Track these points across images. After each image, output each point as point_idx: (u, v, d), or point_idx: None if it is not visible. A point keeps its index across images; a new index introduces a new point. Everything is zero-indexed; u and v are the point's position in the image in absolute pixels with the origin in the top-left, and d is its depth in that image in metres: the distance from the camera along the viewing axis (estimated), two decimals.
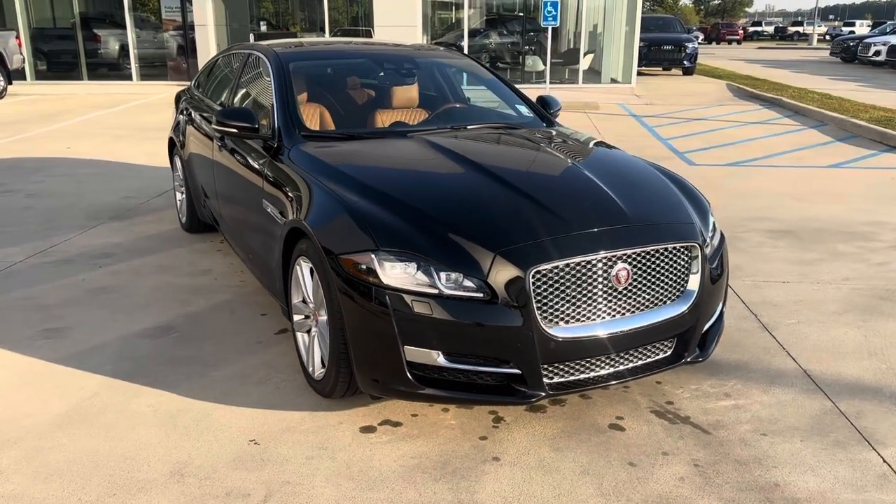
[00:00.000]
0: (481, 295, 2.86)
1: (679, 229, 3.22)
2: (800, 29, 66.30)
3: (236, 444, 3.05)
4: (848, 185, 7.88)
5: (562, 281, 2.92)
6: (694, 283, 3.21)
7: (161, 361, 3.79)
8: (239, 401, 3.39)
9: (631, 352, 3.13)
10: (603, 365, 3.09)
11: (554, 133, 4.38)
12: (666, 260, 3.13)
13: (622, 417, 3.27)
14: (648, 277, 3.09)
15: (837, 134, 11.26)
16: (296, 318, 3.55)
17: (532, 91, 15.74)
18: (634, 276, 3.04)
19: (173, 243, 5.83)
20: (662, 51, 20.80)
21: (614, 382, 3.14)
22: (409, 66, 4.76)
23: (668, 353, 3.26)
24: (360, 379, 3.07)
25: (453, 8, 19.32)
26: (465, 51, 17.79)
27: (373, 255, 2.93)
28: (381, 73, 4.72)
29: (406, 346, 2.90)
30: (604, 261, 2.97)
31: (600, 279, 2.98)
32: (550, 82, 16.99)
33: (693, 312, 3.19)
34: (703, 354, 3.35)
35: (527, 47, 18.72)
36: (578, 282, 2.94)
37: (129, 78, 17.75)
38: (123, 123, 12.37)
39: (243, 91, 4.83)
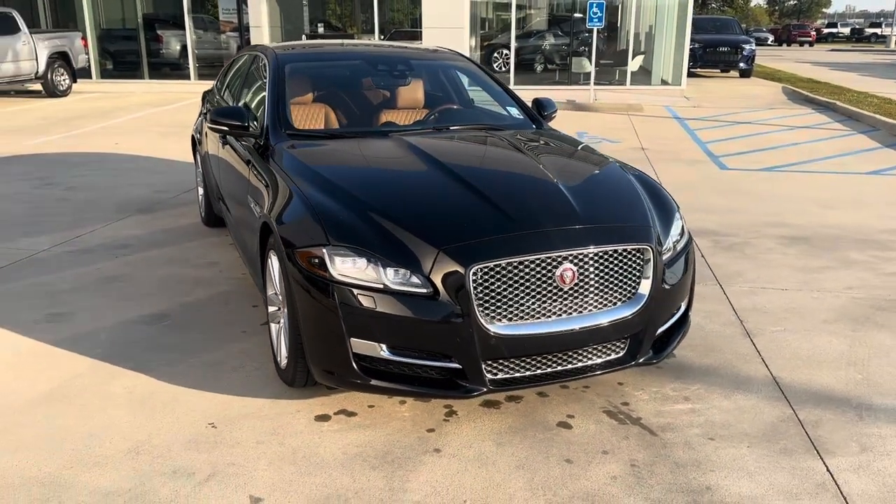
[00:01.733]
0: (424, 291, 2.95)
1: (631, 231, 3.23)
2: (877, 31, 63.72)
3: (195, 426, 3.21)
4: (880, 193, 7.64)
5: (504, 279, 2.98)
6: (645, 285, 3.21)
7: (148, 347, 4.00)
8: (209, 386, 3.56)
9: (579, 351, 3.16)
10: (550, 363, 3.13)
11: (536, 135, 4.42)
12: (616, 262, 3.15)
13: (573, 416, 3.30)
14: (597, 278, 3.11)
15: (886, 140, 10.88)
16: (270, 309, 3.70)
17: (575, 93, 15.76)
18: (582, 277, 3.07)
19: (189, 237, 6.08)
20: (718, 52, 20.36)
21: (561, 381, 3.18)
22: (404, 67, 4.86)
23: (621, 353, 3.28)
24: (313, 370, 3.19)
25: (503, 10, 19.33)
26: (513, 53, 17.81)
27: (324, 250, 3.04)
28: (377, 75, 4.84)
29: (352, 339, 3.00)
30: (548, 260, 3.02)
31: (545, 279, 3.02)
32: (599, 84, 16.87)
33: (643, 315, 3.20)
34: (656, 356, 3.36)
35: (581, 48, 18.59)
36: (521, 280, 3.00)
37: (188, 77, 18.38)
38: (173, 121, 12.84)
39: (247, 91, 5.03)
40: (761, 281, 5.05)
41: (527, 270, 3.00)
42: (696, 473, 2.88)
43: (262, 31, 17.37)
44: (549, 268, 3.02)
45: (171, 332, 4.19)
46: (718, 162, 9.36)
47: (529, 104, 4.94)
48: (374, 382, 3.05)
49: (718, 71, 21.94)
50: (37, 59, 14.99)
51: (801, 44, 53.13)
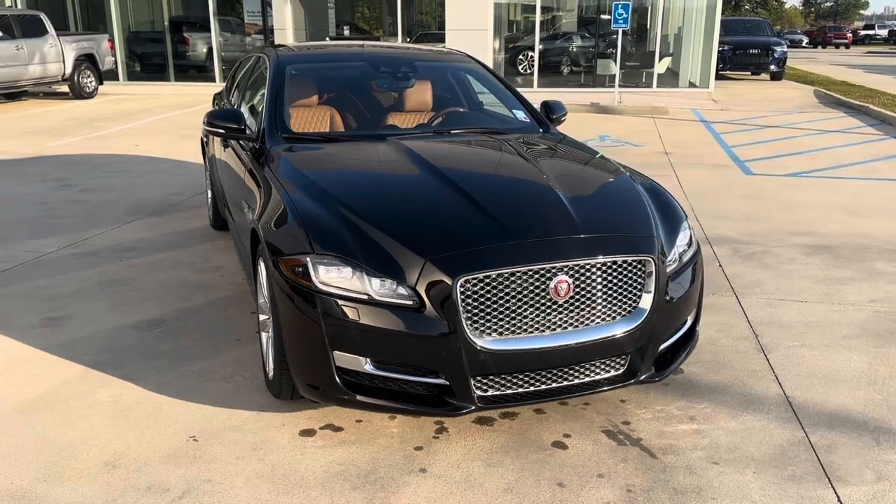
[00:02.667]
0: (410, 303, 2.81)
1: (632, 242, 3.06)
2: None
3: (176, 439, 3.11)
4: None
5: (494, 291, 2.83)
6: (646, 299, 3.04)
7: (140, 354, 3.91)
8: (195, 397, 3.46)
9: (575, 368, 3.00)
10: (544, 380, 2.98)
11: (541, 139, 4.26)
12: (614, 274, 2.98)
13: (569, 435, 3.14)
14: (594, 291, 2.95)
15: None
16: (261, 317, 3.58)
17: (600, 95, 15.51)
18: (578, 290, 2.91)
19: (197, 240, 6.01)
20: (748, 55, 19.95)
21: (556, 399, 3.03)
22: (408, 69, 4.73)
23: (621, 370, 3.11)
24: (297, 383, 3.07)
25: (529, 12, 19.13)
26: (536, 55, 17.62)
27: (308, 258, 2.92)
28: (379, 77, 4.72)
29: (335, 352, 2.88)
30: (541, 272, 2.86)
31: (538, 291, 2.87)
32: (625, 86, 16.63)
33: (645, 330, 3.03)
34: (659, 374, 3.18)
35: (608, 50, 18.34)
36: (513, 293, 2.85)
37: (213, 80, 18.45)
38: (195, 123, 12.85)
39: (252, 93, 4.93)
40: (780, 292, 4.83)
41: (518, 282, 2.85)
42: (697, 501, 2.71)
43: (287, 33, 17.37)
44: (543, 280, 2.87)
45: (166, 339, 4.10)
46: (744, 167, 9.10)
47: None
48: (358, 398, 2.92)
49: (749, 73, 21.52)
50: (64, 61, 15.14)
51: (837, 46, 52.08)
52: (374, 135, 4.16)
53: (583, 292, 2.93)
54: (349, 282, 2.86)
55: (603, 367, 3.06)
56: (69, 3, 20.11)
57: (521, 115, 4.64)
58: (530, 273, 2.85)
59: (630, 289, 3.02)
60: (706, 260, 5.45)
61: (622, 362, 3.10)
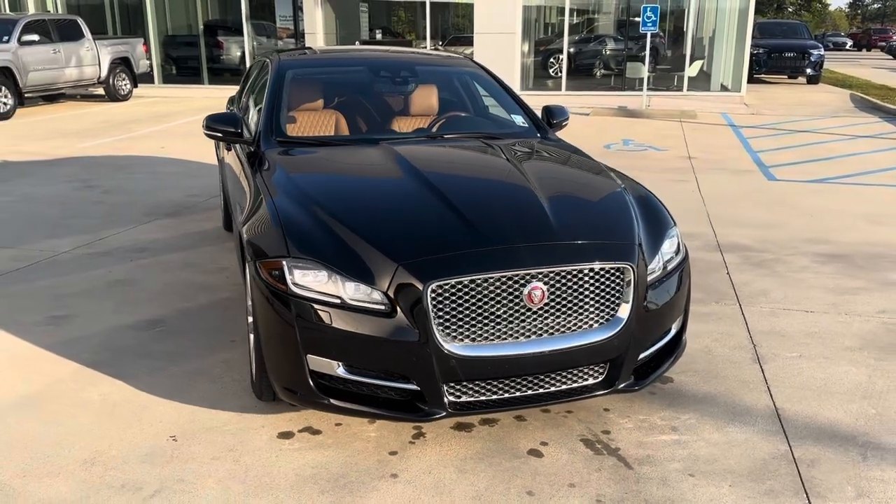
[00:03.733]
0: (382, 307, 2.82)
1: (610, 249, 3.02)
2: None
3: (157, 438, 3.15)
4: None
5: (466, 297, 2.82)
6: (625, 307, 3.00)
7: (135, 353, 3.98)
8: (182, 396, 3.50)
9: (551, 376, 2.97)
10: (518, 387, 2.96)
11: (536, 144, 4.23)
12: (591, 281, 2.95)
13: (546, 443, 3.11)
14: (570, 299, 2.92)
15: None
16: (250, 319, 3.61)
17: (628, 99, 15.38)
18: (552, 297, 2.89)
19: (208, 241, 6.10)
20: (784, 58, 19.56)
21: (531, 406, 3.01)
22: (407, 74, 4.74)
23: (599, 379, 3.07)
24: (275, 387, 3.09)
25: (559, 14, 19.04)
26: (564, 58, 17.51)
27: (284, 262, 2.94)
28: (379, 82, 4.73)
29: (309, 355, 2.89)
30: (515, 278, 2.84)
31: (511, 298, 2.85)
32: (655, 89, 16.47)
33: (623, 338, 2.98)
34: (638, 383, 3.13)
35: (639, 53, 18.16)
36: (486, 299, 2.83)
37: None
38: None
39: (255, 97, 4.99)
40: (786, 301, 4.73)
41: (491, 288, 2.83)
42: None
43: (317, 37, 17.54)
44: (516, 286, 2.85)
45: (162, 339, 4.17)
46: (767, 172, 8.93)
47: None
48: (332, 402, 2.93)
49: (786, 77, 21.11)
50: (99, 65, 15.49)
51: (883, 48, 50.75)
52: (367, 139, 4.18)
53: (558, 299, 2.90)
54: (324, 285, 2.88)
55: (580, 375, 3.03)
56: (108, 8, 20.57)
57: (520, 120, 4.61)
58: (503, 279, 2.83)
59: (608, 297, 2.98)
60: (714, 267, 5.37)
61: (600, 371, 3.06)
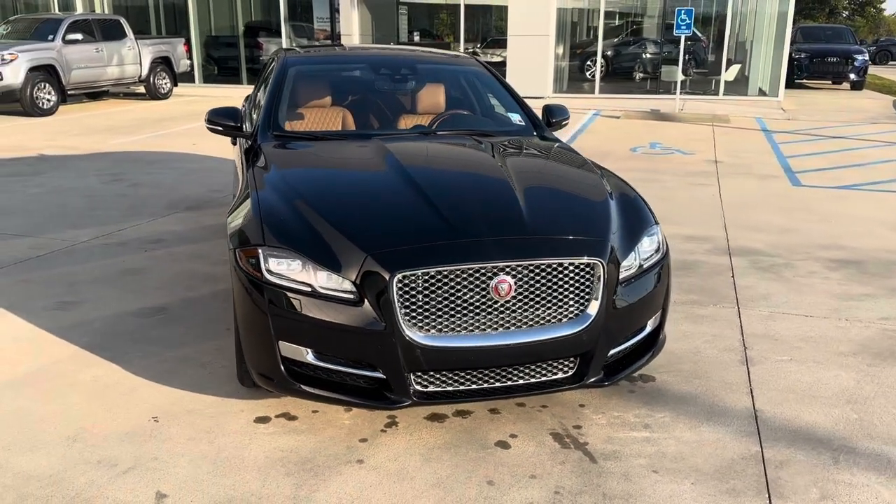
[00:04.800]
0: (350, 296, 2.88)
1: (580, 245, 3.03)
2: None
3: (139, 418, 3.27)
4: None
5: (433, 288, 2.86)
6: (594, 302, 3.01)
7: (133, 339, 4.11)
8: (170, 380, 3.61)
9: (519, 368, 3.00)
10: (485, 379, 2.99)
11: (527, 142, 4.26)
12: (560, 276, 2.96)
13: (516, 436, 3.14)
14: (538, 293, 2.94)
15: None
16: None
17: (661, 102, 15.23)
18: (520, 290, 2.92)
19: (222, 234, 6.12)
20: (826, 63, 19.14)
21: (500, 398, 3.04)
22: (408, 72, 4.80)
23: (568, 373, 3.09)
24: (251, 372, 3.17)
25: (594, 17, 18.94)
26: (598, 60, 17.41)
27: (260, 250, 3.03)
28: (381, 79, 4.80)
29: (280, 342, 2.97)
30: (482, 271, 2.88)
31: (478, 290, 2.88)
32: (692, 93, 16.29)
33: (591, 333, 3.00)
34: (608, 378, 3.14)
35: (675, 56, 17.97)
36: (452, 291, 2.87)
37: None
38: None
39: (261, 92, 5.10)
40: (787, 306, 4.67)
41: (457, 280, 2.87)
42: None
43: (353, 39, 17.75)
44: (484, 279, 2.88)
45: (161, 326, 4.29)
46: (794, 178, 8.78)
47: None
48: (302, 388, 3.00)
49: (829, 82, 20.65)
50: (140, 64, 15.90)
51: None
52: (361, 134, 4.25)
53: (526, 293, 2.93)
54: (297, 274, 2.95)
55: (549, 369, 3.05)
56: (152, 9, 21.10)
57: (515, 118, 4.63)
58: (471, 272, 2.87)
59: (577, 292, 3.00)
60: (719, 270, 5.32)
61: (570, 365, 3.08)
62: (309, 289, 2.91)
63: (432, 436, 3.13)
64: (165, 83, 16.75)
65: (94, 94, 16.16)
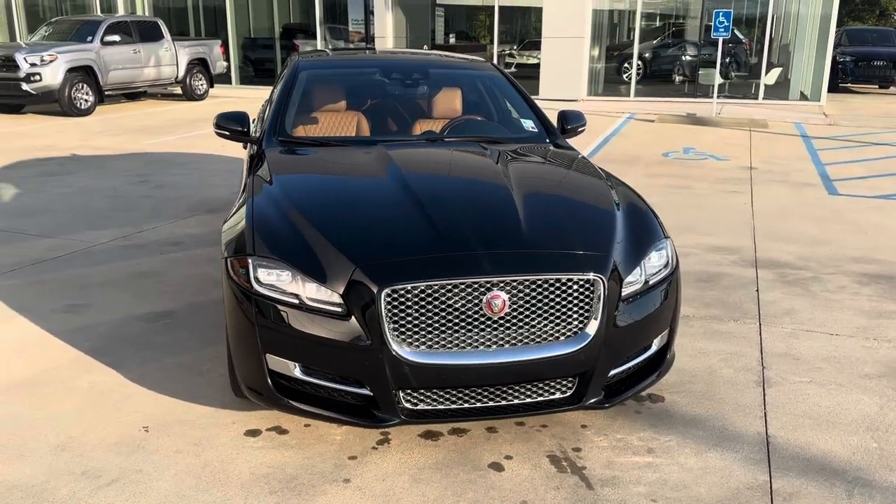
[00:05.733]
0: (338, 310, 2.79)
1: (579, 260, 2.89)
2: None
3: (130, 428, 3.22)
4: None
5: (423, 303, 2.75)
6: (594, 320, 2.87)
7: (135, 344, 4.08)
8: (165, 388, 3.56)
9: (514, 388, 2.88)
10: (478, 398, 2.87)
11: (538, 150, 4.13)
12: (557, 292, 2.83)
13: (511, 457, 3.01)
14: (534, 309, 2.82)
15: None
16: None
17: (698, 106, 14.91)
18: (515, 307, 2.79)
19: None
20: (872, 67, 18.55)
21: (493, 418, 2.93)
22: (419, 76, 4.70)
23: (567, 393, 2.95)
24: (241, 384, 3.09)
25: (631, 19, 18.64)
26: (634, 62, 17.12)
27: (250, 260, 2.95)
28: (393, 84, 4.71)
29: (267, 355, 2.89)
30: (475, 286, 2.76)
31: (471, 306, 2.77)
32: (731, 97, 15.94)
33: (591, 352, 2.86)
34: (608, 400, 3.00)
35: (717, 59, 17.60)
36: (443, 306, 2.76)
37: None
38: None
39: (273, 96, 5.05)
40: (812, 323, 4.45)
41: (449, 295, 2.76)
42: None
43: (387, 41, 17.73)
44: (476, 294, 2.77)
45: (165, 331, 4.26)
46: (830, 186, 8.47)
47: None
48: (290, 402, 2.92)
49: (875, 87, 20.03)
50: (177, 65, 16.08)
51: None
52: (366, 140, 4.16)
53: (521, 309, 2.81)
54: (287, 285, 2.87)
55: (545, 388, 2.92)
56: (191, 10, 21.37)
57: (528, 124, 4.50)
58: (462, 286, 2.76)
59: (575, 309, 2.86)
60: (743, 284, 5.12)
61: (568, 385, 2.94)
62: (297, 301, 2.83)
63: (424, 455, 3.02)
64: (202, 84, 16.91)
65: (132, 94, 16.38)
